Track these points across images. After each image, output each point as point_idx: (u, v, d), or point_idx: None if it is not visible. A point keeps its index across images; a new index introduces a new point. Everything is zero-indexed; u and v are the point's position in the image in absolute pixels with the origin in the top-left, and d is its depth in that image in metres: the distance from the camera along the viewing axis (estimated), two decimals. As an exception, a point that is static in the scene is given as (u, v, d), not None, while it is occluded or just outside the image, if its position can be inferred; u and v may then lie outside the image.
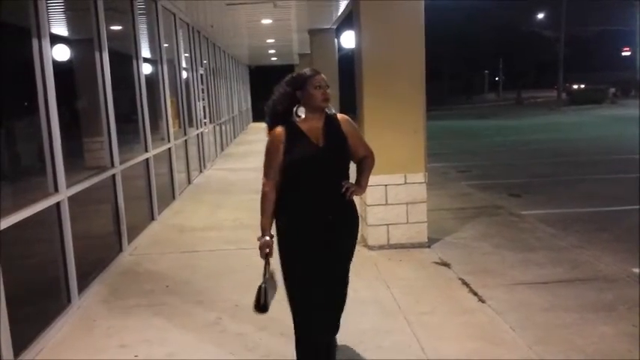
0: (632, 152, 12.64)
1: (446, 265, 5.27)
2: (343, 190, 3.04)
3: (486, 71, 54.72)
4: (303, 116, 3.04)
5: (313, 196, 3.03)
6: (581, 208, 7.62)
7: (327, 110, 3.12)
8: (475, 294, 4.56)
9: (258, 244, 3.07)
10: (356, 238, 3.26)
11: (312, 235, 3.06)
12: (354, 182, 3.16)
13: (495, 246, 5.85)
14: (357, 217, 3.24)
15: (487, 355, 3.55)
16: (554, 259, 5.34)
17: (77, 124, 7.06)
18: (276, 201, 3.08)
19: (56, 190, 4.43)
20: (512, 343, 3.71)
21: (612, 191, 8.62)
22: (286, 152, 3.00)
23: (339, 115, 3.19)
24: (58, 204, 4.45)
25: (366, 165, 3.26)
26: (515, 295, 4.53)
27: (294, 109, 3.05)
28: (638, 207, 7.23)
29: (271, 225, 3.08)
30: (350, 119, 3.22)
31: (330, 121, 3.11)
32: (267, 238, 3.06)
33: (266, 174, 3.07)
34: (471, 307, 4.33)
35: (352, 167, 3.25)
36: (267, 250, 3.05)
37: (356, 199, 3.21)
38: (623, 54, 51.54)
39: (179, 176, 9.42)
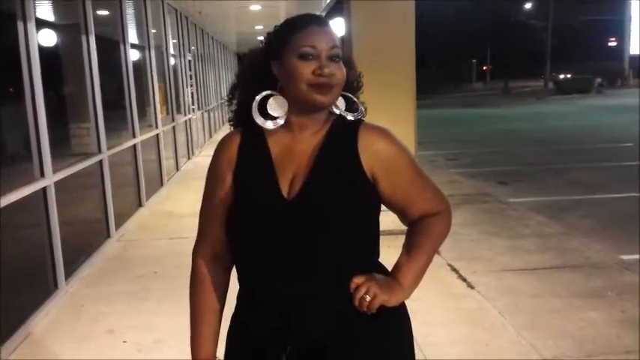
0: (617, 141, 12.74)
1: (435, 251, 5.28)
2: (354, 294, 1.40)
3: (474, 60, 54.80)
4: (278, 121, 1.45)
5: (268, 300, 1.43)
6: (568, 195, 7.66)
7: (333, 110, 1.48)
8: (464, 280, 4.57)
9: None
10: None
11: None
12: (379, 275, 1.47)
13: (484, 233, 5.87)
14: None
15: (476, 340, 3.56)
16: (543, 246, 5.37)
17: (63, 110, 6.98)
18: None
19: (42, 175, 4.38)
20: (501, 328, 3.72)
21: (599, 179, 8.66)
22: (234, 190, 1.47)
23: (367, 128, 1.47)
24: (44, 189, 4.40)
25: (429, 231, 1.54)
26: (504, 281, 4.55)
27: (254, 103, 1.44)
28: (634, 195, 7.28)
29: (216, 337, 1.57)
30: (394, 137, 1.47)
31: (337, 139, 1.45)
32: None
33: (200, 229, 1.59)
34: (460, 293, 4.34)
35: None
36: None
37: None
38: (610, 44, 51.88)
39: (167, 163, 9.35)
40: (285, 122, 1.45)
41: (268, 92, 1.45)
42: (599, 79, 37.32)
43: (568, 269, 4.76)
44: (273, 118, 1.44)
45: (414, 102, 5.79)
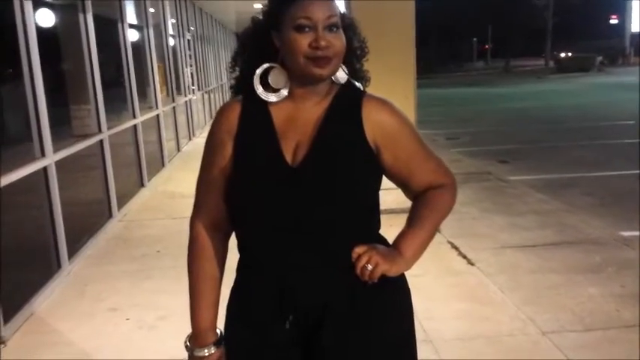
0: (618, 119, 12.74)
1: (435, 229, 5.30)
2: (356, 262, 1.38)
3: (475, 39, 54.47)
4: (282, 92, 1.44)
5: (269, 269, 1.45)
6: (568, 173, 7.68)
7: (338, 79, 1.46)
8: (464, 257, 4.60)
9: None
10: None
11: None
12: (380, 245, 1.45)
13: (484, 211, 5.89)
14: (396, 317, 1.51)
15: (476, 315, 3.60)
16: (542, 223, 5.38)
17: (63, 91, 6.97)
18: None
19: (43, 154, 4.39)
20: (501, 303, 3.76)
21: (599, 156, 8.68)
22: (235, 157, 1.46)
23: (370, 98, 1.47)
24: (45, 168, 4.41)
25: (432, 203, 1.51)
26: (504, 257, 4.58)
27: (256, 75, 1.44)
28: (634, 172, 7.29)
29: (216, 306, 1.55)
30: (396, 109, 1.47)
31: (341, 109, 1.44)
32: (207, 353, 1.50)
33: (197, 198, 1.54)
34: (460, 270, 4.37)
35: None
36: None
37: None
38: (611, 22, 51.56)
39: (168, 144, 9.36)
40: (290, 93, 1.44)
41: (268, 65, 1.43)
42: (600, 58, 37.11)
43: (567, 245, 4.78)
44: (275, 90, 1.43)
45: (414, 80, 5.77)
